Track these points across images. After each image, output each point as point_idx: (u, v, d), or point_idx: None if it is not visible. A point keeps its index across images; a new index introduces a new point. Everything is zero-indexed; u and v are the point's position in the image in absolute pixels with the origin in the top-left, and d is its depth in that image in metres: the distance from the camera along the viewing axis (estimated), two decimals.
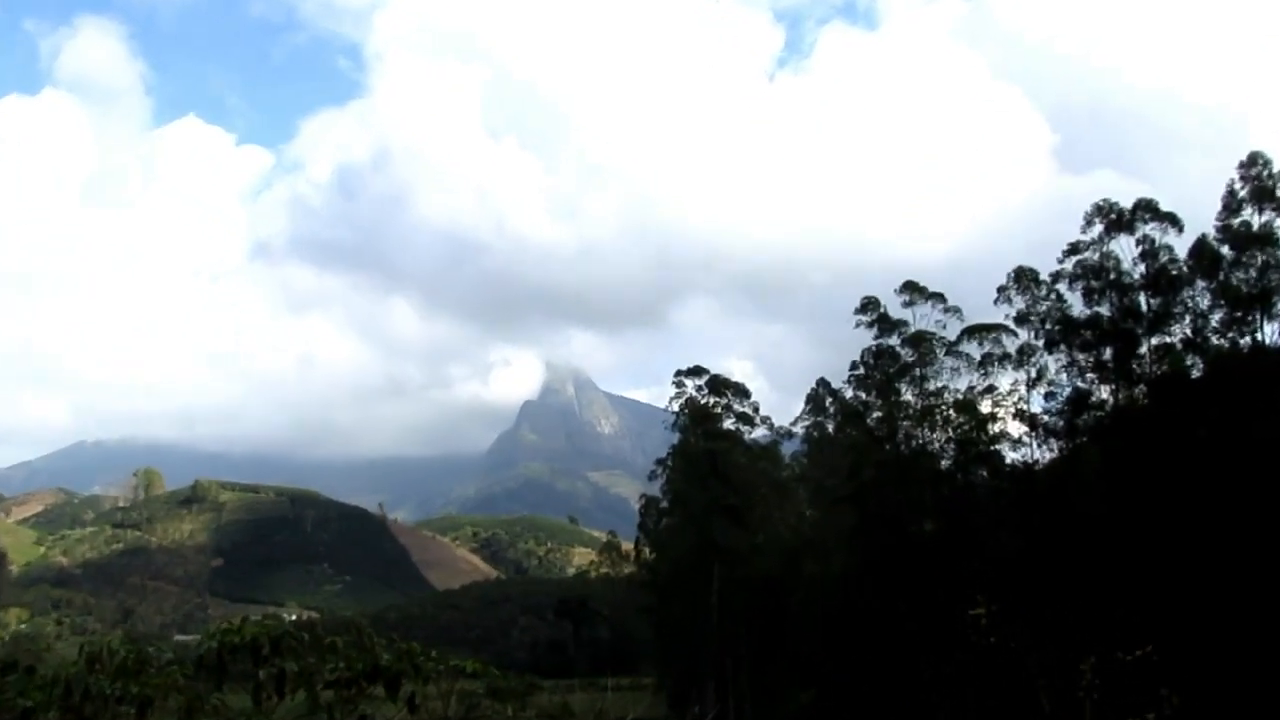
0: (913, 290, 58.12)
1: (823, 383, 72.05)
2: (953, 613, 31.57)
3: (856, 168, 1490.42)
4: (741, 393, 74.58)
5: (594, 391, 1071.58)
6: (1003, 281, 52.56)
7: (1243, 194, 47.22)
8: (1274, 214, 46.68)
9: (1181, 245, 48.77)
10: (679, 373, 77.14)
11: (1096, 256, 49.83)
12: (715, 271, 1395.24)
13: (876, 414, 59.56)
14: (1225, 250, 47.49)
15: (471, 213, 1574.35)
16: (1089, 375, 50.61)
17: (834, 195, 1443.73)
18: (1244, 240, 46.83)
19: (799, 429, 73.45)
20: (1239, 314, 46.55)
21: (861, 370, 60.11)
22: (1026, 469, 52.50)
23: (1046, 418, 51.90)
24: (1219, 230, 47.83)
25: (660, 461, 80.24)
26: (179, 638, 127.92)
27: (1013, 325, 52.64)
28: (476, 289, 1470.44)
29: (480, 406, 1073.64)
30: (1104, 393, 50.47)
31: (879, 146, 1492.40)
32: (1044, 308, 51.60)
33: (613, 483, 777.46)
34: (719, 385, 75.09)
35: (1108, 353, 49.74)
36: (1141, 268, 49.23)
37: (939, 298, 57.29)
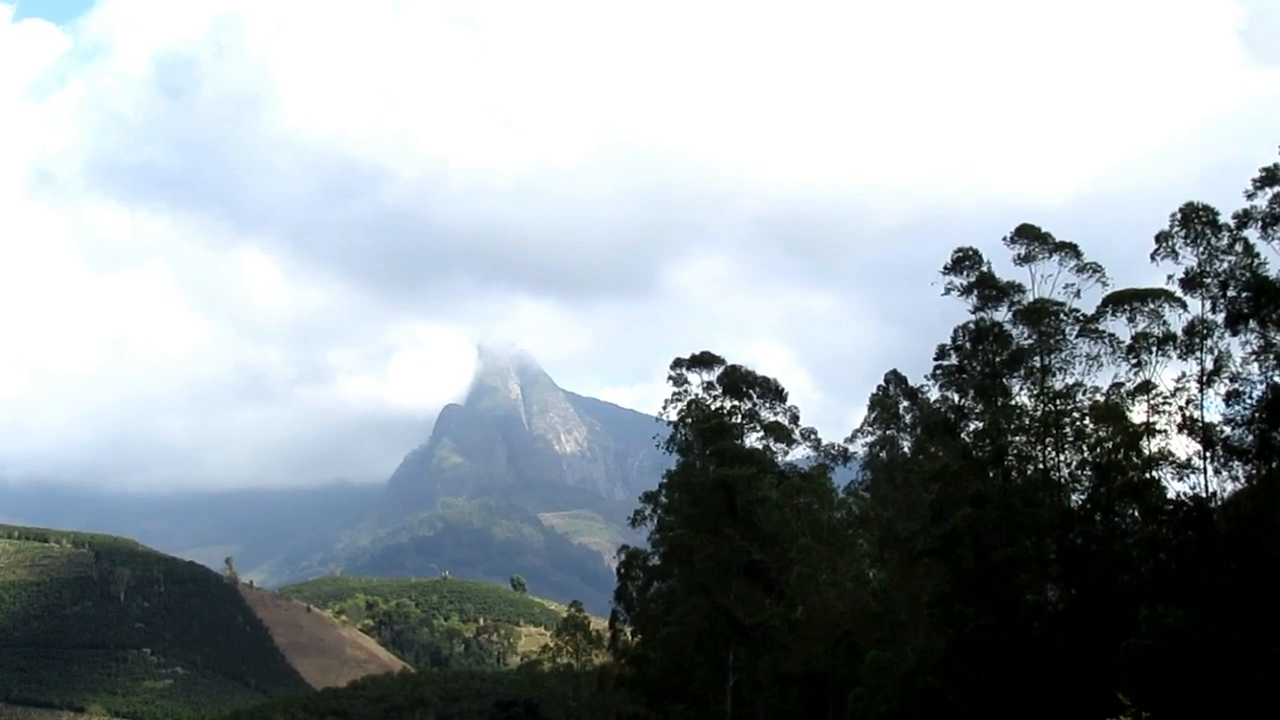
0: (1031, 238, 58.24)
1: (894, 378, 73.38)
2: None
3: (939, 65, 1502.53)
4: (772, 392, 75.03)
5: (550, 391, 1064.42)
6: (1163, 226, 52.48)
7: None
8: None
9: None
10: (678, 363, 77.85)
11: None
12: (730, 214, 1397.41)
13: (975, 425, 59.95)
14: None
15: (364, 122, 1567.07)
16: None
17: (907, 105, 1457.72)
18: None
19: (859, 447, 74.12)
20: None
21: (953, 359, 60.66)
22: (1199, 506, 52.35)
23: (1229, 430, 51.91)
24: None
25: (650, 496, 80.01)
26: None
27: (1178, 291, 52.91)
28: (371, 236, 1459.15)
29: (378, 413, 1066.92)
30: None
31: (972, 34, 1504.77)
32: (1225, 265, 51.62)
33: (577, 528, 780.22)
34: (739, 382, 75.24)
35: None
36: None
37: (1069, 250, 57.34)
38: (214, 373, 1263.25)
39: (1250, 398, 51.38)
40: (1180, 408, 53.27)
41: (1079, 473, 56.08)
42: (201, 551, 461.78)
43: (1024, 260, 57.79)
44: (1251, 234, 50.96)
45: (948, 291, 59.83)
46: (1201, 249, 51.99)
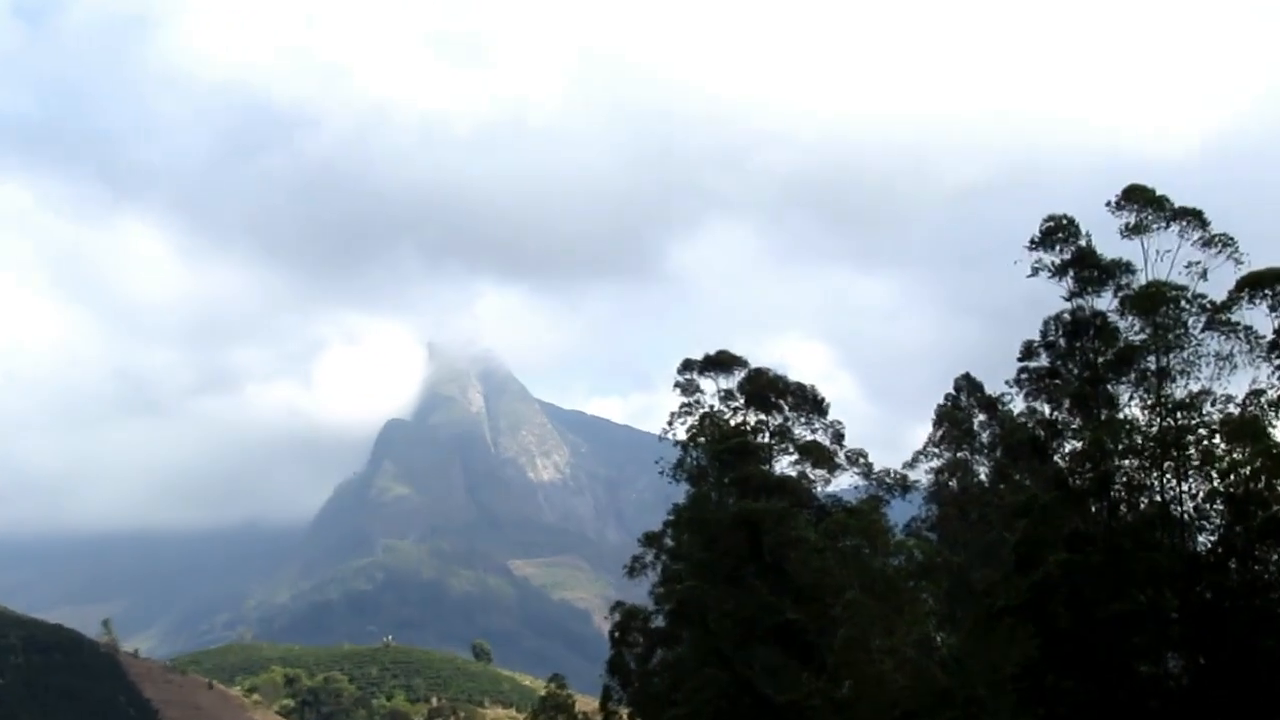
0: (1143, 203, 58.82)
1: (966, 385, 73.80)
2: None
3: None
4: (809, 403, 75.84)
5: (522, 402, 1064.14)
6: None
7: None
8: None
9: None
10: (688, 365, 78.57)
11: None
12: (753, 171, 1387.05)
13: (1072, 445, 60.44)
14: None
15: (279, 54, 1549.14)
16: None
17: (984, 30, 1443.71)
18: None
19: (921, 474, 74.35)
20: None
21: (1043, 359, 61.42)
22: None
23: None
24: None
25: (651, 538, 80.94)
26: None
27: None
28: (289, 203, 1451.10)
29: (300, 430, 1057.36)
30: None
31: None
32: None
33: (558, 579, 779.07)
34: (765, 390, 76.01)
35: None
36: None
37: (1193, 218, 57.62)
38: (87, 380, 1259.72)
39: None
40: None
41: (1207, 506, 56.03)
42: (72, 611, 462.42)
43: (1134, 231, 58.40)
44: None
45: (1035, 272, 60.28)
46: None
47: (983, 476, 72.75)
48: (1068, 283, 60.14)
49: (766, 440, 75.92)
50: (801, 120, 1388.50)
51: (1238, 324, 55.82)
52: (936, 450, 73.89)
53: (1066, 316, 60.45)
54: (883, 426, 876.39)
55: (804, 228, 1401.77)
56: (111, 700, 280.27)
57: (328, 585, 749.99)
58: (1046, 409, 62.25)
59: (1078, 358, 60.52)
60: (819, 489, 75.83)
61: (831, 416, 77.19)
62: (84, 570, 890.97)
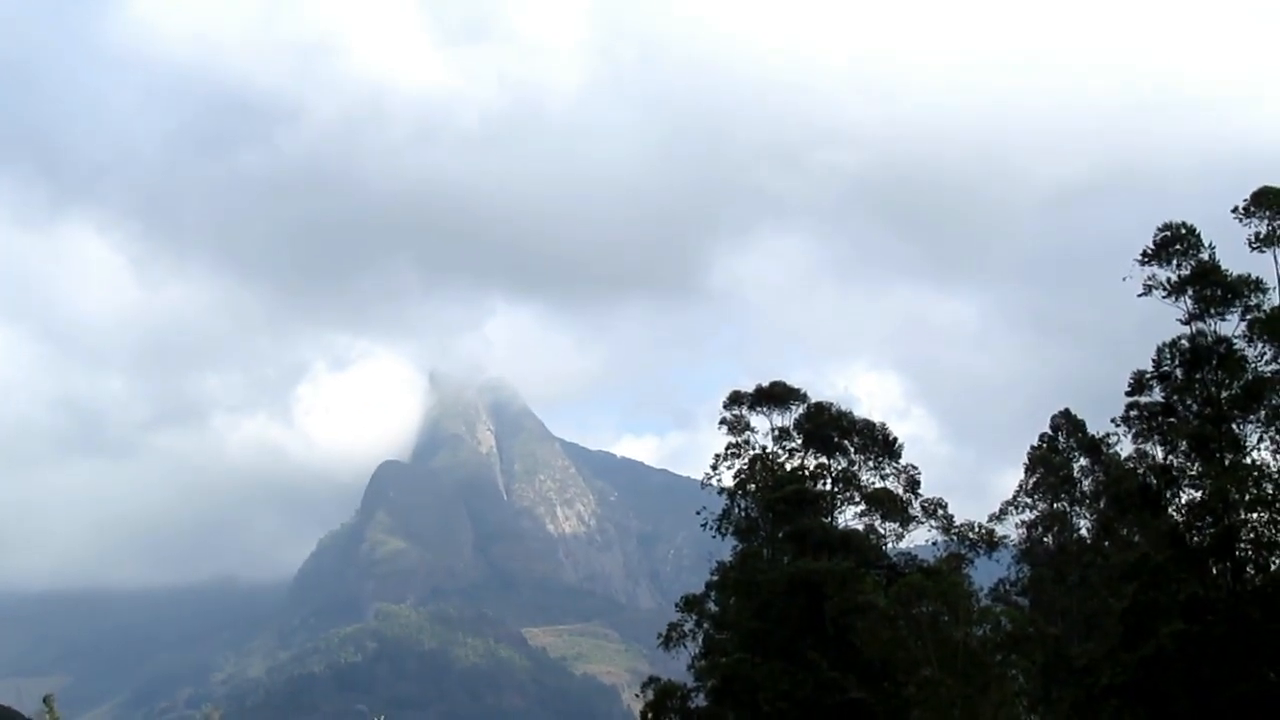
0: (1275, 209, 57.26)
1: (1065, 423, 73.40)
2: None
3: None
4: (879, 444, 75.01)
5: (540, 441, 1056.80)
6: None
7: None
8: None
9: None
10: (736, 399, 79.51)
11: None
12: (812, 171, 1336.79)
13: (1190, 495, 59.11)
14: None
15: (254, 33, 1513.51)
16: None
17: (1073, 17, 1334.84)
18: None
19: (1010, 528, 74.13)
20: None
21: (1156, 394, 59.81)
22: None
23: None
24: None
25: (691, 602, 78.20)
26: None
27: None
28: (265, 208, 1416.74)
29: (277, 473, 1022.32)
30: None
31: None
32: None
33: (581, 650, 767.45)
34: (827, 428, 75.57)
35: None
36: None
37: None
38: (23, 413, 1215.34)
39: None
40: None
41: None
42: (7, 685, 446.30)
43: (1265, 243, 57.19)
44: None
45: (1148, 290, 59.06)
46: None
47: (1084, 531, 71.63)
48: (1186, 303, 58.74)
49: (828, 488, 74.15)
50: (869, 113, 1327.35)
51: None
52: (1029, 500, 72.97)
53: (1184, 343, 58.86)
54: (965, 472, 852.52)
55: (872, 237, 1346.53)
56: None
57: (310, 656, 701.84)
58: (1160, 452, 60.56)
59: (1197, 392, 58.66)
60: (890, 545, 73.95)
61: (905, 460, 75.44)
62: (21, 637, 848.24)
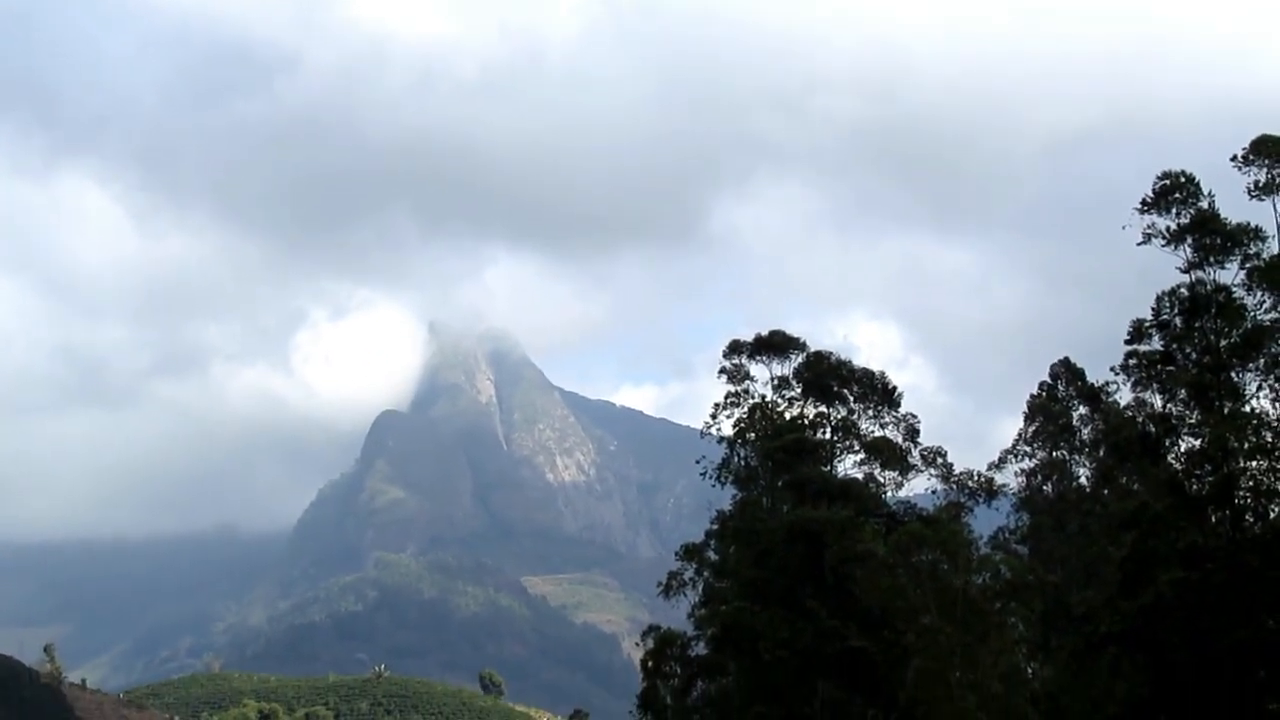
0: (1275, 157, 57.17)
1: (1064, 372, 74.04)
2: None
3: None
4: (879, 393, 75.05)
5: (540, 391, 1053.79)
6: None
7: None
8: None
9: None
10: (736, 348, 79.68)
11: None
12: (812, 116, 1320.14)
13: (1189, 443, 59.37)
14: None
15: None
16: None
17: None
18: None
19: (1010, 476, 74.46)
20: None
21: (1155, 342, 60.10)
22: None
23: None
24: None
25: (691, 551, 78.95)
26: None
27: None
28: (263, 156, 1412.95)
29: (276, 422, 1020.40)
30: None
31: None
32: None
33: (581, 599, 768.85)
34: (827, 376, 75.38)
35: None
36: None
37: None
38: (23, 363, 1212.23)
39: None
40: None
41: None
42: (7, 635, 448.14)
43: (1265, 191, 57.12)
44: None
45: (1147, 239, 59.11)
46: None
47: (1083, 480, 71.55)
48: (1185, 251, 58.86)
49: (828, 436, 74.02)
50: (870, 58, 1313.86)
51: None
52: (1028, 449, 73.05)
53: (1184, 291, 58.95)
54: (964, 421, 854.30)
55: (872, 184, 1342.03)
56: None
57: (310, 605, 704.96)
58: (1159, 401, 61.08)
59: (1196, 340, 58.98)
60: (889, 494, 74.09)
61: (904, 409, 75.54)
62: (22, 587, 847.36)
